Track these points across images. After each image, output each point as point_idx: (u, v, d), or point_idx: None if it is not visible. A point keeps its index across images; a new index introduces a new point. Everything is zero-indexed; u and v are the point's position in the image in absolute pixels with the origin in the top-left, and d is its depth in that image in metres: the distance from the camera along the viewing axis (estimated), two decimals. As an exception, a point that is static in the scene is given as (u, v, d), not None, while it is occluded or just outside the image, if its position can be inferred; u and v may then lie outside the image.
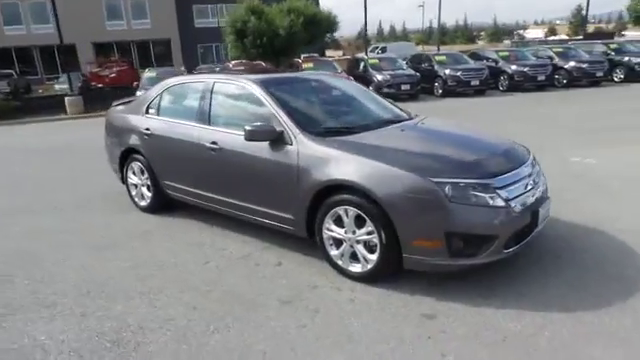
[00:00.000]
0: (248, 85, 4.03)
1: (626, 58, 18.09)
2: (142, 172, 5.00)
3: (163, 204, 4.99)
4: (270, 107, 3.76)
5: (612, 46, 19.09)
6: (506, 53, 18.47)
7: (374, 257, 3.19)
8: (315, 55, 28.95)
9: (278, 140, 3.59)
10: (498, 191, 2.99)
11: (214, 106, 4.24)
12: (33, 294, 3.38)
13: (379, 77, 16.12)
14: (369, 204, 3.10)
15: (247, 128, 3.60)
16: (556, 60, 17.89)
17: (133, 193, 5.22)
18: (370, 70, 16.75)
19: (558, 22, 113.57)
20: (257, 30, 17.61)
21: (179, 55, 37.41)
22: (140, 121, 4.91)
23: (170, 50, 38.01)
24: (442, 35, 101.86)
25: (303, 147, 3.46)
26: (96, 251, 4.11)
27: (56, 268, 3.80)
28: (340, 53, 50.32)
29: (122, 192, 5.44)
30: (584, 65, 17.22)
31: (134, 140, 4.95)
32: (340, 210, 3.28)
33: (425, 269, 3.10)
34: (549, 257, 3.56)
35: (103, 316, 3.03)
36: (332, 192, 3.31)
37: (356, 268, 3.33)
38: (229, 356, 2.58)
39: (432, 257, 2.99)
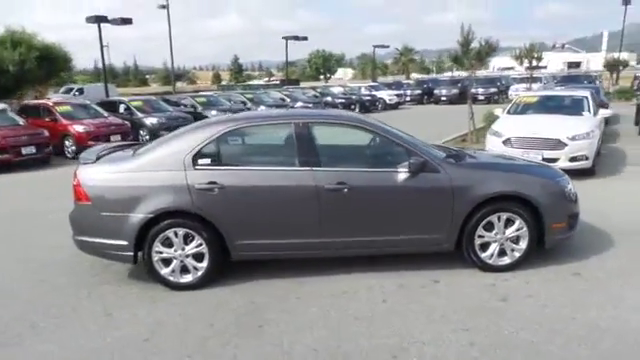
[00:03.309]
0: (359, 124, 4.20)
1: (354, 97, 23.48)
2: (187, 240, 4.01)
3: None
4: (401, 142, 4.13)
5: (319, 90, 24.33)
6: (204, 99, 18.50)
7: (523, 246, 4.16)
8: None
9: (422, 170, 4.02)
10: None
11: (320, 147, 4.11)
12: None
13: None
14: (522, 206, 4.08)
15: (412, 162, 3.91)
16: (287, 101, 21.39)
17: (165, 271, 4.05)
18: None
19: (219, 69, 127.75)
20: (-27, 65, 13.40)
21: None
22: (187, 175, 3.95)
23: None
24: (113, 77, 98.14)
25: (452, 172, 4.05)
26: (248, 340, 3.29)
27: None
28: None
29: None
30: (310, 104, 21.33)
31: (176, 201, 3.93)
32: (494, 217, 4.09)
33: (555, 244, 4.32)
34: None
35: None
36: (484, 204, 4.07)
37: (504, 261, 4.20)
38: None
39: (561, 235, 4.27)
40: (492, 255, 4.19)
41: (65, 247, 5.13)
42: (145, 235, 3.98)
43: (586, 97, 9.08)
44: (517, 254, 4.19)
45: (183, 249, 4.02)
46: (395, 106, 27.54)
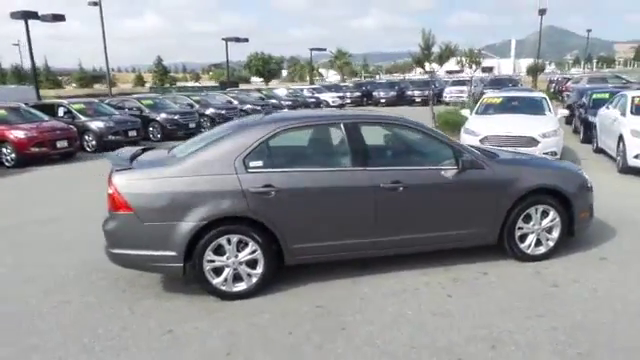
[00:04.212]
0: (406, 124, 4.27)
1: (299, 99, 23.36)
2: (240, 246, 3.82)
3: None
4: (446, 141, 4.25)
5: (264, 92, 24.02)
6: (150, 101, 17.35)
7: (555, 235, 4.46)
8: None
9: (471, 167, 4.16)
10: (584, 176, 4.96)
11: (370, 147, 4.10)
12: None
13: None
14: (555, 198, 4.37)
15: (463, 159, 4.03)
16: (235, 103, 20.95)
17: (217, 281, 3.81)
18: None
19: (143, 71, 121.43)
20: None
21: None
22: (240, 179, 3.75)
23: None
24: (22, 79, 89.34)
25: (496, 168, 4.25)
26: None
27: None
28: None
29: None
30: (258, 107, 21.05)
31: (231, 206, 3.72)
32: (531, 210, 4.34)
33: (580, 231, 4.64)
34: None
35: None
36: (524, 198, 4.29)
37: (540, 251, 4.46)
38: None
39: (585, 223, 4.63)
40: (530, 245, 4.43)
41: (65, 264, 4.72)
42: (195, 244, 3.73)
43: (545, 98, 9.90)
44: (551, 243, 4.48)
45: (236, 256, 3.82)
46: (338, 108, 28.00)
